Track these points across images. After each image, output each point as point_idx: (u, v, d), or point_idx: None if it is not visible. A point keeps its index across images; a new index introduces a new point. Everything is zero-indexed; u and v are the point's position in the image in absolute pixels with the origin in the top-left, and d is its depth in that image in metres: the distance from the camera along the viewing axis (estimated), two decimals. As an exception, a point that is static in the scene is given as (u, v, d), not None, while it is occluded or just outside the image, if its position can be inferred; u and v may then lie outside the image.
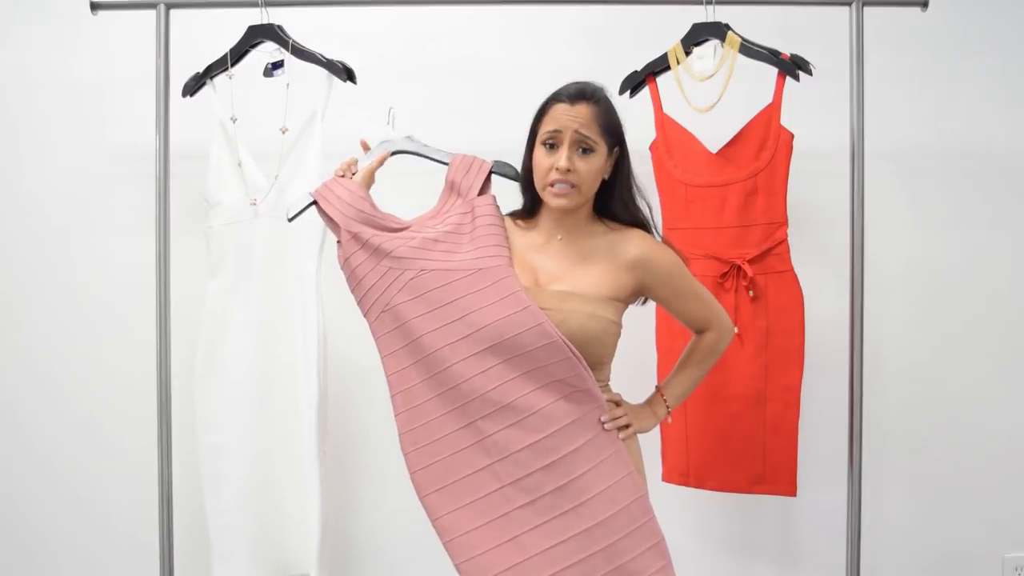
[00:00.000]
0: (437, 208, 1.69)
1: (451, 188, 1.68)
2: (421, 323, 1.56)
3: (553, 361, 1.50)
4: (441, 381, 1.55)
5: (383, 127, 1.74)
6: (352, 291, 1.62)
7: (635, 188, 1.67)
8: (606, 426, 1.54)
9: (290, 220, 1.69)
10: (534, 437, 1.51)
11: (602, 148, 1.59)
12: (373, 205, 1.64)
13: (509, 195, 1.70)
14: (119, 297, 2.39)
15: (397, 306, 1.57)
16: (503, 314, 1.52)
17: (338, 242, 1.63)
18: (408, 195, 1.78)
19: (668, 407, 1.70)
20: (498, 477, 1.52)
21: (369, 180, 1.69)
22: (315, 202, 1.65)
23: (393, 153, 1.72)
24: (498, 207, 1.65)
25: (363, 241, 1.60)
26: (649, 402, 1.69)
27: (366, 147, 1.73)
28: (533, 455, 1.51)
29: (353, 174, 1.69)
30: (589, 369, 1.53)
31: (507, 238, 1.62)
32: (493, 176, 1.68)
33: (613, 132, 1.60)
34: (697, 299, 1.68)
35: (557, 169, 1.55)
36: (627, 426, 1.59)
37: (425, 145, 1.72)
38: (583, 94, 1.58)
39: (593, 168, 1.58)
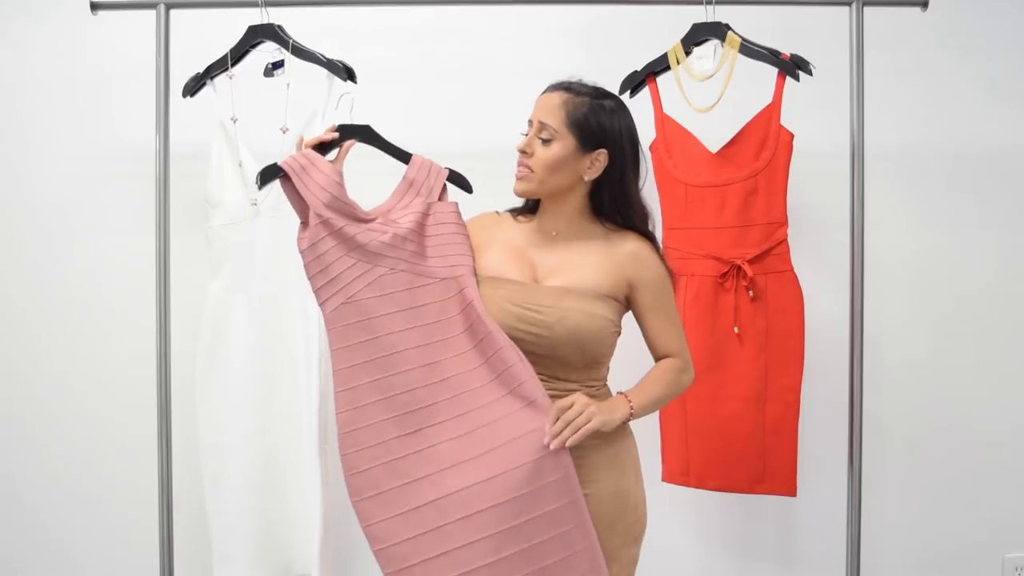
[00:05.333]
0: (392, 203, 1.67)
1: (409, 185, 1.68)
2: (388, 322, 1.55)
3: (503, 369, 1.50)
4: (394, 383, 1.53)
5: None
6: (311, 277, 1.56)
7: (633, 196, 1.63)
8: (551, 445, 1.45)
9: (260, 187, 1.63)
10: (480, 450, 1.49)
11: (565, 139, 1.56)
12: (346, 192, 1.61)
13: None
14: (119, 297, 2.39)
15: (362, 300, 1.55)
16: (463, 327, 1.53)
17: (303, 223, 1.59)
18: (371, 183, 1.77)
19: (632, 412, 1.55)
20: (437, 488, 1.49)
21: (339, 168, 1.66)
22: (285, 174, 1.59)
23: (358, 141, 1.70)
24: (460, 215, 1.67)
25: (333, 229, 1.56)
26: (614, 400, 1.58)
27: (334, 129, 1.67)
28: (476, 469, 1.49)
29: (331, 141, 1.64)
30: (536, 378, 1.50)
31: (470, 247, 1.63)
32: (450, 185, 1.70)
33: (585, 129, 1.56)
34: (673, 322, 1.65)
35: (517, 150, 1.59)
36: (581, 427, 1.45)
37: (383, 140, 1.72)
38: (562, 84, 1.61)
39: (549, 156, 1.56)
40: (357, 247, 1.57)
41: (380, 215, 1.64)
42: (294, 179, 1.58)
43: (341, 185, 1.60)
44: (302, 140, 1.65)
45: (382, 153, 1.74)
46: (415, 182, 1.68)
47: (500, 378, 1.51)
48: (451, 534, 1.48)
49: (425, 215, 1.64)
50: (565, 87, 1.60)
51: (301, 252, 1.57)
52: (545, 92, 1.62)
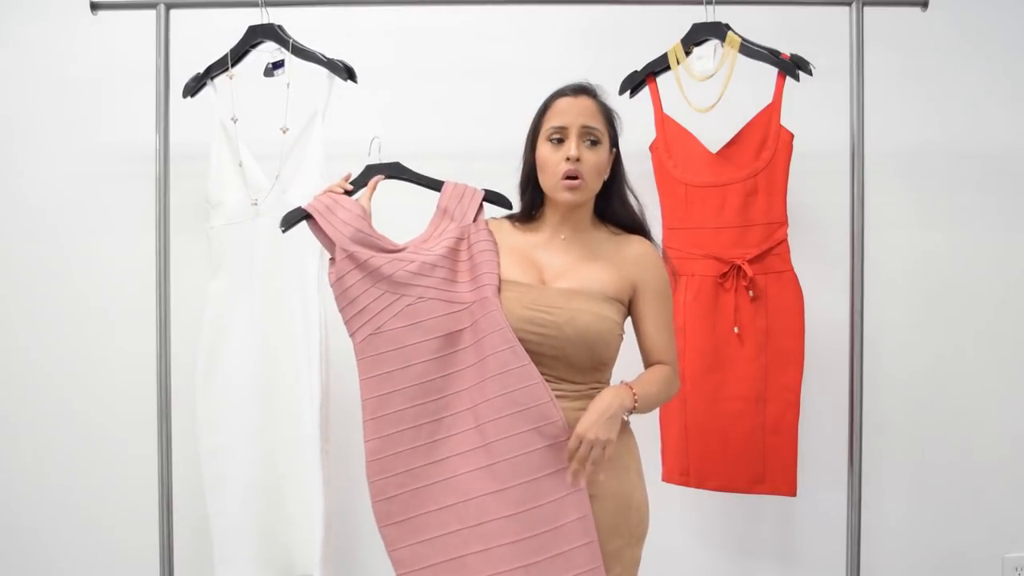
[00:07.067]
0: (429, 232, 1.68)
1: (443, 213, 1.69)
2: (415, 351, 1.55)
3: (532, 406, 1.50)
4: (421, 412, 1.54)
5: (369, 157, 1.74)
6: (341, 310, 1.60)
7: (629, 190, 1.69)
8: (570, 481, 1.48)
9: (284, 231, 1.68)
10: (502, 485, 1.50)
11: (606, 141, 1.61)
12: (371, 226, 1.63)
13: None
14: (119, 298, 2.39)
15: (391, 331, 1.56)
16: (492, 351, 1.52)
17: (331, 259, 1.62)
18: (402, 217, 1.78)
19: (636, 405, 1.53)
20: (460, 518, 1.52)
21: (366, 208, 1.68)
22: (309, 216, 1.64)
23: (386, 177, 1.72)
24: (491, 232, 1.65)
25: (359, 261, 1.59)
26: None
27: (348, 178, 1.72)
28: (498, 503, 1.50)
29: (346, 192, 1.68)
30: (564, 419, 1.49)
31: (499, 264, 1.60)
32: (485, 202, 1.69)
33: (615, 129, 1.64)
34: (669, 329, 1.65)
35: (568, 159, 1.56)
36: (605, 448, 1.47)
37: (413, 172, 1.73)
38: (585, 89, 1.62)
39: (600, 160, 1.59)
40: (383, 278, 1.58)
41: (411, 245, 1.64)
42: (319, 219, 1.63)
43: (365, 219, 1.62)
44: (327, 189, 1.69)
45: (412, 187, 1.73)
46: (448, 209, 1.69)
47: (526, 413, 1.50)
48: (470, 565, 1.50)
49: (460, 239, 1.64)
50: (592, 92, 1.62)
51: (331, 287, 1.61)
52: (567, 97, 1.60)
